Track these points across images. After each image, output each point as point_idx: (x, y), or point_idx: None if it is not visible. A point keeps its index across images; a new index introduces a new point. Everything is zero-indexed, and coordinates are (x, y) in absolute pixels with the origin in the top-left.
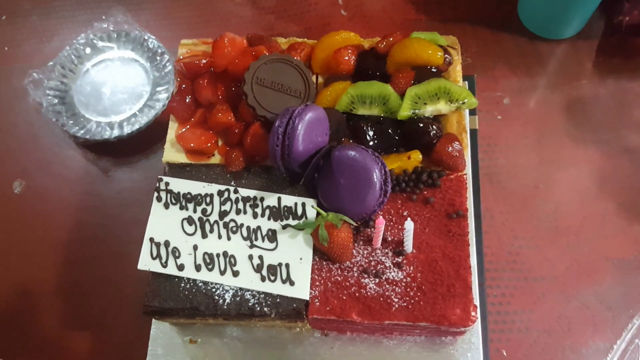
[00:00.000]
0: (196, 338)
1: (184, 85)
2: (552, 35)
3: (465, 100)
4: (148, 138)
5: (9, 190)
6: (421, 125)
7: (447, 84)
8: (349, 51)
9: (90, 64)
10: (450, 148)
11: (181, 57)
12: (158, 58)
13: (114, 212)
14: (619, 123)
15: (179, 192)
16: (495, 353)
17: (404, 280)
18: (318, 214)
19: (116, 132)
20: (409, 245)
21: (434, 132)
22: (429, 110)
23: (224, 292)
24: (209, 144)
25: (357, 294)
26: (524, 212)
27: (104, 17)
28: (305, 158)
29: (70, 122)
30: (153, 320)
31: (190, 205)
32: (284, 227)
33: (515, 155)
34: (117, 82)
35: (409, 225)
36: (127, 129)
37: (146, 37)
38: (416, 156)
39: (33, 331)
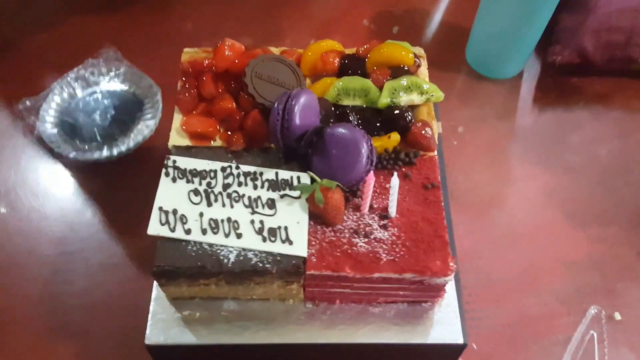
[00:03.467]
0: (194, 313)
1: (187, 84)
2: (497, 75)
3: (433, 94)
4: (137, 160)
5: None
6: (397, 112)
7: (418, 79)
8: (334, 54)
9: (82, 94)
10: (423, 131)
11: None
12: (147, 89)
13: (99, 228)
14: (558, 146)
15: (185, 169)
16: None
17: (390, 238)
18: (313, 180)
19: (105, 153)
20: (393, 208)
21: (409, 118)
22: (404, 100)
23: (229, 252)
24: (211, 129)
25: (349, 251)
26: (482, 221)
27: (96, 56)
28: (301, 132)
29: (62, 144)
30: (152, 297)
31: (196, 180)
32: (282, 196)
33: (471, 173)
34: (108, 110)
35: (395, 181)
36: (116, 151)
37: (136, 71)
38: (395, 136)
39: (15, 343)
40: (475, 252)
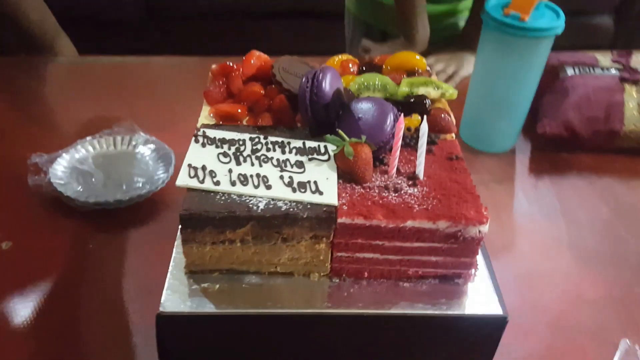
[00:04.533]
0: (214, 285)
1: (216, 81)
2: (491, 149)
3: (449, 90)
4: (146, 212)
5: None
6: (416, 98)
7: (433, 78)
8: (352, 62)
9: (96, 155)
10: (442, 114)
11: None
12: (161, 152)
13: (102, 273)
14: (560, 205)
15: (214, 137)
16: None
17: (421, 193)
18: (342, 139)
19: (117, 196)
20: (421, 167)
21: (428, 104)
22: (421, 91)
23: (258, 201)
24: (239, 110)
25: (380, 202)
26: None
27: (113, 127)
28: (329, 99)
29: (71, 188)
30: (169, 271)
31: (225, 146)
32: (310, 159)
33: None
34: (121, 168)
35: (424, 127)
36: (126, 196)
37: (151, 139)
38: (416, 116)
39: None
40: None
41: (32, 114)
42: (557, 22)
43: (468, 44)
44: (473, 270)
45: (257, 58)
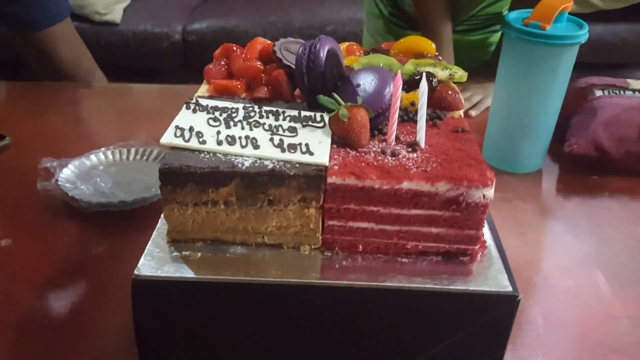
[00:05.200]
0: (195, 253)
1: (218, 61)
2: (515, 170)
3: (457, 71)
4: (152, 216)
5: None
6: (421, 76)
7: (442, 62)
8: (358, 47)
9: (108, 164)
10: (449, 91)
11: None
12: None
13: (103, 274)
14: (589, 224)
15: (207, 105)
16: None
17: (420, 158)
18: (338, 103)
19: (122, 197)
20: (422, 133)
21: (434, 81)
22: (427, 70)
23: (244, 160)
24: (237, 84)
25: (375, 163)
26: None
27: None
28: (327, 68)
29: (78, 188)
30: (150, 239)
31: (217, 112)
32: (304, 125)
33: (503, 240)
34: (130, 175)
35: (424, 85)
36: (130, 197)
37: (165, 152)
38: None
39: None
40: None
41: (50, 129)
42: (579, 32)
43: (495, 75)
44: (479, 248)
45: (261, 43)
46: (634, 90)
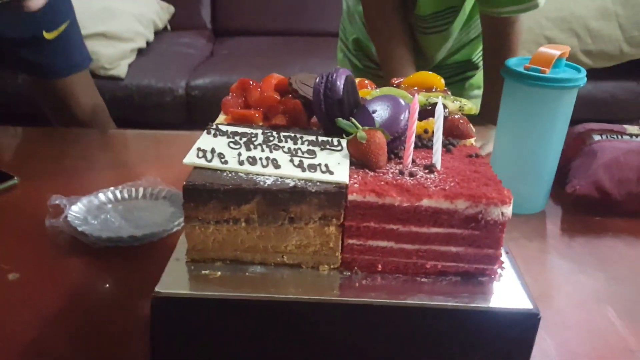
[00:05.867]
0: (215, 272)
1: (235, 94)
2: (520, 211)
3: (467, 104)
4: (162, 252)
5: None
6: (433, 106)
7: (451, 96)
8: (368, 82)
9: (116, 202)
10: (461, 120)
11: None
12: (180, 203)
13: (110, 309)
14: (597, 261)
15: (227, 130)
16: None
17: (438, 178)
18: (356, 127)
19: (131, 231)
20: (438, 156)
21: (445, 111)
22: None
23: (266, 179)
24: (256, 114)
25: (394, 182)
26: None
27: (136, 180)
28: (342, 95)
29: (87, 223)
30: (169, 262)
31: (237, 137)
32: (322, 149)
33: None
34: (139, 213)
35: (440, 108)
36: (140, 232)
37: (173, 191)
38: (432, 119)
39: None
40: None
41: (58, 170)
42: (578, 75)
43: (490, 119)
44: (498, 267)
45: (276, 78)
46: (631, 135)
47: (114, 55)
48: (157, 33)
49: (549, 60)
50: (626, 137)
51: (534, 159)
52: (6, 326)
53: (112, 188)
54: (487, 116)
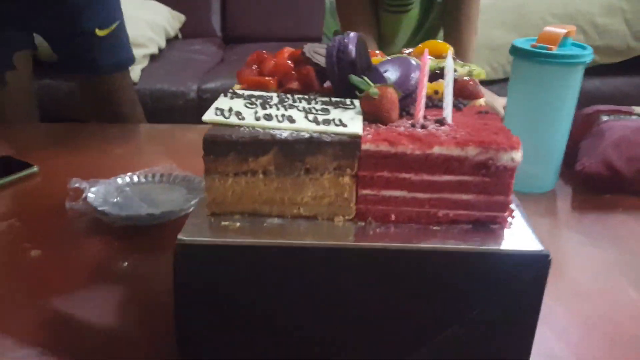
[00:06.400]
0: (234, 223)
1: (250, 65)
2: (530, 190)
3: (475, 68)
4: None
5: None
6: (442, 70)
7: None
8: (379, 53)
9: (134, 184)
10: (470, 81)
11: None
12: (200, 185)
13: (130, 288)
14: (609, 236)
15: (243, 93)
16: None
17: (449, 130)
18: (368, 84)
19: (149, 210)
20: (449, 109)
21: (456, 73)
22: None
23: (282, 132)
24: (269, 79)
25: (406, 133)
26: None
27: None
28: (355, 57)
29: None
30: (189, 216)
31: (253, 99)
32: (336, 107)
33: None
34: (157, 194)
35: (449, 61)
36: (158, 211)
37: (190, 176)
38: (442, 81)
39: None
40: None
41: (78, 159)
42: (584, 52)
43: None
44: (508, 215)
45: (288, 50)
46: (639, 115)
47: None
48: (168, 41)
49: (556, 38)
50: (634, 117)
51: (543, 137)
52: (28, 300)
53: (129, 173)
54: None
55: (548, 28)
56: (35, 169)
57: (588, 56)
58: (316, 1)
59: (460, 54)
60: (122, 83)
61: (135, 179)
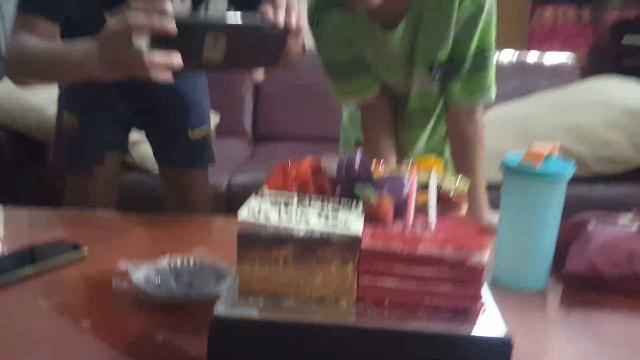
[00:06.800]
0: (259, 301)
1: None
2: (523, 287)
3: (460, 182)
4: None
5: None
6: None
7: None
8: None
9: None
10: (452, 191)
11: None
12: (224, 272)
13: None
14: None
15: (270, 195)
16: None
17: (433, 233)
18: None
19: (185, 291)
20: (433, 215)
21: (441, 187)
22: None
23: (299, 230)
24: (292, 186)
25: (397, 234)
26: None
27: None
28: (360, 172)
29: (147, 284)
30: (223, 294)
31: (278, 200)
32: (343, 209)
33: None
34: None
35: (433, 178)
36: (194, 292)
37: (225, 264)
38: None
39: None
40: None
41: (125, 244)
42: (566, 170)
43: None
44: (480, 305)
45: (309, 160)
46: (622, 224)
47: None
48: None
49: (540, 156)
50: (619, 225)
51: (532, 241)
52: None
53: (167, 255)
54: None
55: (534, 147)
56: (85, 252)
57: (569, 173)
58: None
59: (467, 170)
60: (203, 179)
61: (173, 262)
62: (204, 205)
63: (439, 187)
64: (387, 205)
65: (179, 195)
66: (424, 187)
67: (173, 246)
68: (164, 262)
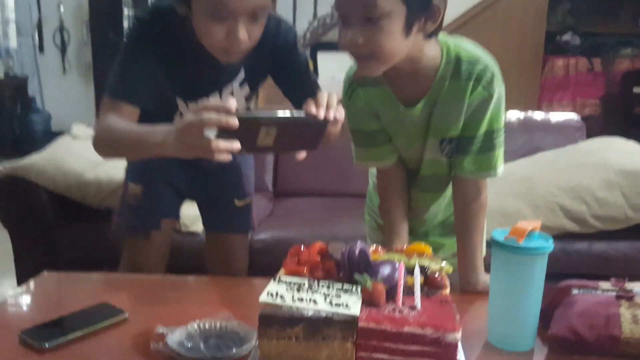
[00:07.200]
0: None
1: (291, 256)
2: (513, 349)
3: (445, 265)
4: None
5: None
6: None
7: (436, 259)
8: (381, 249)
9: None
10: (437, 274)
11: None
12: (246, 333)
13: None
14: None
15: (285, 279)
16: None
17: (417, 315)
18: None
19: (213, 352)
20: (418, 300)
21: (428, 270)
22: (423, 262)
23: (309, 311)
24: (304, 270)
25: (388, 315)
26: None
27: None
28: (359, 259)
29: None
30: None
31: (291, 284)
32: (345, 293)
33: None
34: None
35: (417, 269)
36: (220, 354)
37: (247, 327)
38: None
39: None
40: None
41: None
42: (546, 244)
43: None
44: None
45: (318, 245)
46: (602, 290)
47: (192, 215)
48: None
49: (522, 233)
50: (598, 292)
51: (518, 307)
52: None
53: (197, 320)
54: (465, 279)
55: (518, 224)
56: (126, 315)
57: (549, 247)
58: None
59: (466, 237)
60: (243, 244)
61: (202, 326)
62: (243, 267)
63: (426, 269)
64: (380, 290)
65: (221, 257)
66: (412, 271)
67: (203, 309)
68: (194, 325)
